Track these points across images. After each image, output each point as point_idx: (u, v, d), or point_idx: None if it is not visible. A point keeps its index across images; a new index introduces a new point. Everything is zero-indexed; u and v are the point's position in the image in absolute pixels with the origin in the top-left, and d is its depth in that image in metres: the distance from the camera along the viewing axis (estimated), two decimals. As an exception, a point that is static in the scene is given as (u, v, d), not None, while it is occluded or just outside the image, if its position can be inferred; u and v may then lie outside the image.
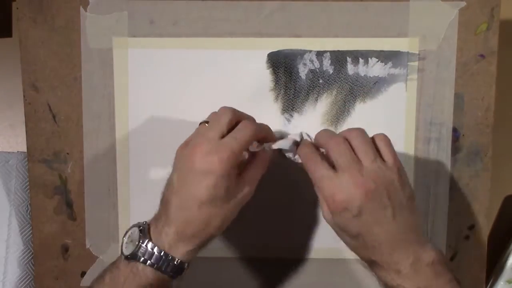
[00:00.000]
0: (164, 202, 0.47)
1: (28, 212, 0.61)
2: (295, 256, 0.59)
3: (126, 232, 0.48)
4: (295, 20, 0.56)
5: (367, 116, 0.56)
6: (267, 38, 0.56)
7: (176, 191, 0.46)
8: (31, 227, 0.59)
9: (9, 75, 0.65)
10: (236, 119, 0.48)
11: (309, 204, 0.57)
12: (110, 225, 0.58)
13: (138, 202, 0.58)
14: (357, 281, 0.58)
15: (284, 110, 0.57)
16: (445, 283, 0.45)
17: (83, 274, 0.59)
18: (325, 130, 0.50)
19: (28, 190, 0.59)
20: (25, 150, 0.58)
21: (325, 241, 0.58)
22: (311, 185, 0.48)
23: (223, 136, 0.46)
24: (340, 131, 0.51)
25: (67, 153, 0.58)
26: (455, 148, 0.57)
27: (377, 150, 0.47)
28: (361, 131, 0.48)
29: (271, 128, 0.57)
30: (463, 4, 0.55)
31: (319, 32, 0.56)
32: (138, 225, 0.47)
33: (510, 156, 0.65)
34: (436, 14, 0.55)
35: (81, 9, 0.56)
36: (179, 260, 0.45)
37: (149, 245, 0.45)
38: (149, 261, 0.45)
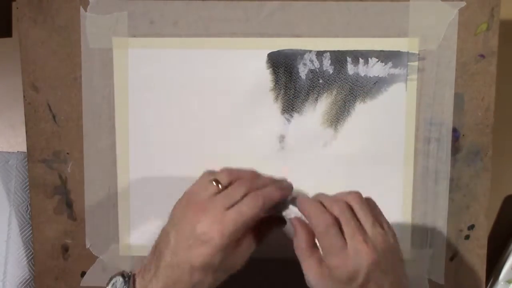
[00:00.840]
0: (157, 253, 0.46)
1: (28, 212, 0.61)
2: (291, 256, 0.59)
3: (111, 278, 0.47)
4: (295, 20, 0.56)
5: (367, 116, 0.56)
6: (267, 38, 0.56)
7: (172, 248, 0.45)
8: (31, 227, 0.59)
9: (9, 75, 0.65)
10: (251, 190, 0.46)
11: None
12: (110, 225, 0.58)
13: (138, 202, 0.58)
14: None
15: (284, 110, 0.57)
16: None
17: (83, 274, 0.59)
18: (322, 197, 0.48)
19: (28, 190, 0.59)
20: (25, 150, 0.58)
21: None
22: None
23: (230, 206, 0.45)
24: (337, 195, 0.48)
25: (67, 153, 0.58)
26: (455, 148, 0.57)
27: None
28: (359, 195, 0.47)
29: (271, 129, 0.57)
30: (463, 4, 0.55)
31: (319, 32, 0.56)
32: (122, 274, 0.47)
33: (510, 156, 0.65)
34: (436, 14, 0.55)
35: (81, 9, 0.56)
36: None
37: None
38: None
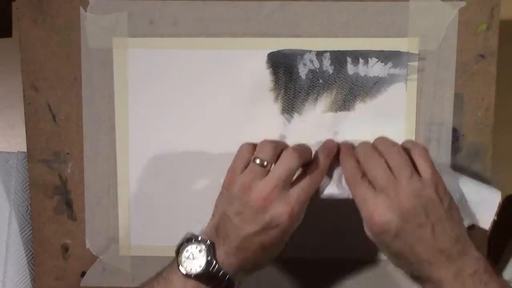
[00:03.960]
0: (223, 235, 0.47)
1: (28, 212, 0.61)
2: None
3: (182, 245, 0.47)
4: (295, 20, 0.56)
5: (367, 116, 0.56)
6: (267, 38, 0.56)
7: (239, 233, 0.46)
8: (31, 227, 0.59)
9: (9, 75, 0.65)
10: (303, 163, 0.48)
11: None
12: (110, 225, 0.58)
13: (138, 202, 0.58)
14: (360, 281, 0.59)
15: (284, 110, 0.57)
16: None
17: (83, 274, 0.59)
18: (364, 145, 0.49)
19: (28, 190, 0.59)
20: (25, 150, 0.58)
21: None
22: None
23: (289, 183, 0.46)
24: (375, 140, 0.50)
25: (67, 153, 0.58)
26: (455, 148, 0.57)
27: (413, 163, 0.46)
28: (397, 147, 0.47)
29: (271, 129, 0.57)
30: (463, 4, 0.55)
31: (319, 32, 0.56)
32: (199, 241, 0.47)
33: (510, 156, 0.65)
34: (436, 14, 0.55)
35: (81, 9, 0.56)
36: (238, 283, 0.47)
37: (216, 270, 0.46)
38: (214, 285, 0.46)
